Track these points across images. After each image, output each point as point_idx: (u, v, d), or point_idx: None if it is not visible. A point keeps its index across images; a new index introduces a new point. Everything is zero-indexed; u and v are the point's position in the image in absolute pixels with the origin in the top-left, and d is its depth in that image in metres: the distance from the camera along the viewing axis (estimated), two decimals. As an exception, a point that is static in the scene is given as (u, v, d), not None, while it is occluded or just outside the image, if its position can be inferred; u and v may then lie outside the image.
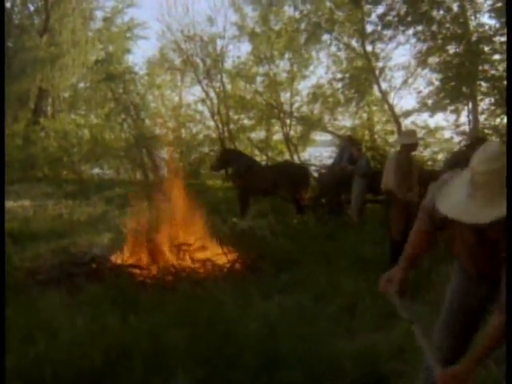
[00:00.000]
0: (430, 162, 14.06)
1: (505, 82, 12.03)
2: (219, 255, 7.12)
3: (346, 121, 18.45)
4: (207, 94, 19.37)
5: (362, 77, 16.41)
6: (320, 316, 4.56)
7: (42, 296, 5.33)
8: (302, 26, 17.21)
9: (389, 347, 3.92)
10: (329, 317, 4.56)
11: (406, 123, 16.03)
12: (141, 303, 5.01)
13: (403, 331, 3.82)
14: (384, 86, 16.15)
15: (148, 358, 3.60)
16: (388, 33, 14.49)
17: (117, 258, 7.08)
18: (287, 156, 18.68)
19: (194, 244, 7.30)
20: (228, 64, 19.41)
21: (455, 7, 13.51)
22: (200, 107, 20.41)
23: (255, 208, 11.07)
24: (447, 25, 13.47)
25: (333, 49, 17.15)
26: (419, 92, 14.95)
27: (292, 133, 19.20)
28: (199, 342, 3.85)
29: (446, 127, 15.20)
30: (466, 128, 14.10)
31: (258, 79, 19.25)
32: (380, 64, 16.09)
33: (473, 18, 13.73)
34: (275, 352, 3.69)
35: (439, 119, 16.17)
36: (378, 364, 3.68)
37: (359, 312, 4.75)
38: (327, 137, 18.57)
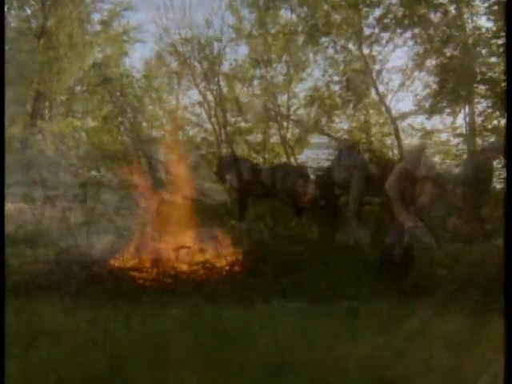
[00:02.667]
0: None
1: (502, 85, 12.06)
2: (218, 258, 7.12)
3: (343, 123, 18.48)
4: (204, 96, 19.37)
5: (359, 79, 16.42)
6: (322, 320, 4.54)
7: (42, 299, 5.30)
8: (299, 28, 17.25)
9: (392, 351, 3.89)
10: (331, 320, 4.55)
11: (403, 125, 16.09)
12: (142, 307, 4.99)
13: (406, 335, 3.81)
14: (381, 88, 16.19)
15: (153, 363, 3.58)
16: (385, 35, 14.58)
17: (116, 261, 7.08)
18: (284, 158, 18.67)
19: (192, 246, 7.30)
20: (225, 67, 19.42)
21: (452, 10, 13.55)
22: (197, 110, 20.43)
23: (253, 210, 11.05)
24: (444, 27, 13.50)
25: (330, 51, 17.13)
26: (416, 95, 14.99)
27: (289, 135, 19.22)
28: (202, 346, 3.83)
29: (443, 130, 15.23)
30: (463, 130, 14.14)
31: (255, 82, 19.29)
32: (377, 67, 16.13)
33: (470, 20, 13.79)
34: (279, 357, 3.67)
35: (436, 122, 16.18)
36: (382, 369, 3.66)
37: (361, 316, 4.73)
38: (324, 139, 18.55)
